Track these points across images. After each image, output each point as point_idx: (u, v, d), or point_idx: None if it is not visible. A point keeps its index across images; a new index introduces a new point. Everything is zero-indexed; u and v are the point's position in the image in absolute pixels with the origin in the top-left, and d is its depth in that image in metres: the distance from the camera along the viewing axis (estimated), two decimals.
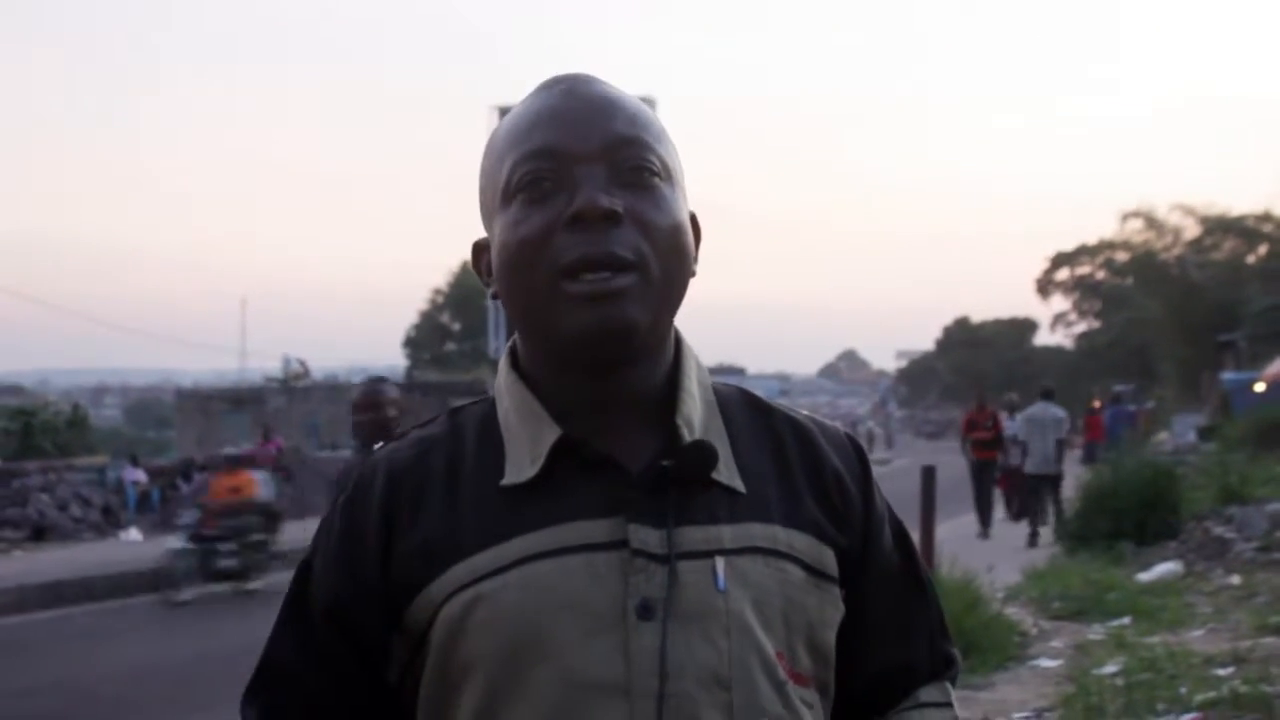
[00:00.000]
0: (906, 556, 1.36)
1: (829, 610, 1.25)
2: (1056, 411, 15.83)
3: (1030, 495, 15.76)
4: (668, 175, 1.24)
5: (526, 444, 1.22)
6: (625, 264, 1.18)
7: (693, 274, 1.26)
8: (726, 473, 1.23)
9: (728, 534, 1.20)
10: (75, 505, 21.75)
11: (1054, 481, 15.46)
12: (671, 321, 1.27)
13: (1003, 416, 17.60)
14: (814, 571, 1.24)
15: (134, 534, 20.66)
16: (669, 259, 1.21)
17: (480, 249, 1.31)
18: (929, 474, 9.82)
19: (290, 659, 1.27)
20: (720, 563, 1.19)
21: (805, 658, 1.23)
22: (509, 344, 1.32)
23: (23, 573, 15.12)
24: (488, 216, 1.28)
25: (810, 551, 1.24)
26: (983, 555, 13.05)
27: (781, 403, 1.37)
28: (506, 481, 1.21)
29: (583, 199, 1.17)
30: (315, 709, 1.26)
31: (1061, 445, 15.65)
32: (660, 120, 1.27)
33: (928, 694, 1.36)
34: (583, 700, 1.15)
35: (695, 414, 1.25)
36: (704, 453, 1.22)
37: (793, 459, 1.29)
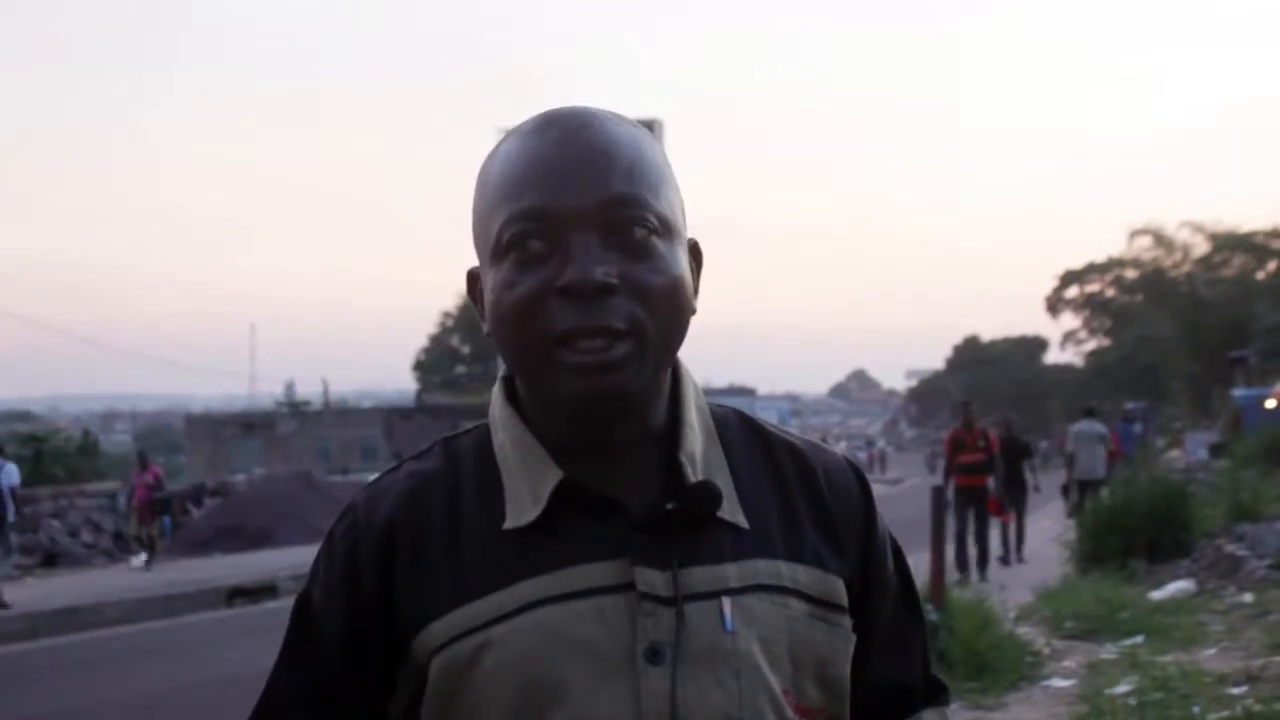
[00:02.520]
0: (904, 580, 1.36)
1: (839, 644, 1.25)
2: (1099, 427, 17.89)
3: (1080, 499, 16.67)
4: (666, 230, 1.20)
5: (527, 485, 1.21)
6: (620, 335, 1.16)
7: (693, 313, 1.24)
8: (730, 509, 1.22)
9: (733, 572, 1.20)
10: (86, 531, 21.79)
11: (1098, 485, 16.66)
12: (669, 369, 1.26)
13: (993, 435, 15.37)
14: (820, 604, 1.24)
15: (145, 560, 20.67)
16: (666, 320, 1.19)
17: (474, 277, 1.29)
18: (939, 494, 9.85)
19: (293, 690, 1.26)
20: (727, 603, 1.18)
21: (814, 691, 1.23)
22: (502, 373, 1.31)
23: (35, 599, 15.14)
24: (480, 258, 1.26)
25: (815, 584, 1.24)
26: (995, 574, 13.03)
27: (777, 426, 1.36)
28: (509, 525, 1.20)
29: (574, 272, 1.14)
30: None
31: (1111, 455, 17.48)
32: (659, 157, 1.23)
33: (930, 717, 1.37)
34: None
35: (697, 447, 1.24)
36: (708, 494, 1.21)
37: (793, 487, 1.28)
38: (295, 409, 53.31)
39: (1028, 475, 16.27)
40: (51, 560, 19.78)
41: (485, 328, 1.26)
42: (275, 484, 28.09)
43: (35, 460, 31.61)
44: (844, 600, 1.25)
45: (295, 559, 18.37)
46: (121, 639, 13.11)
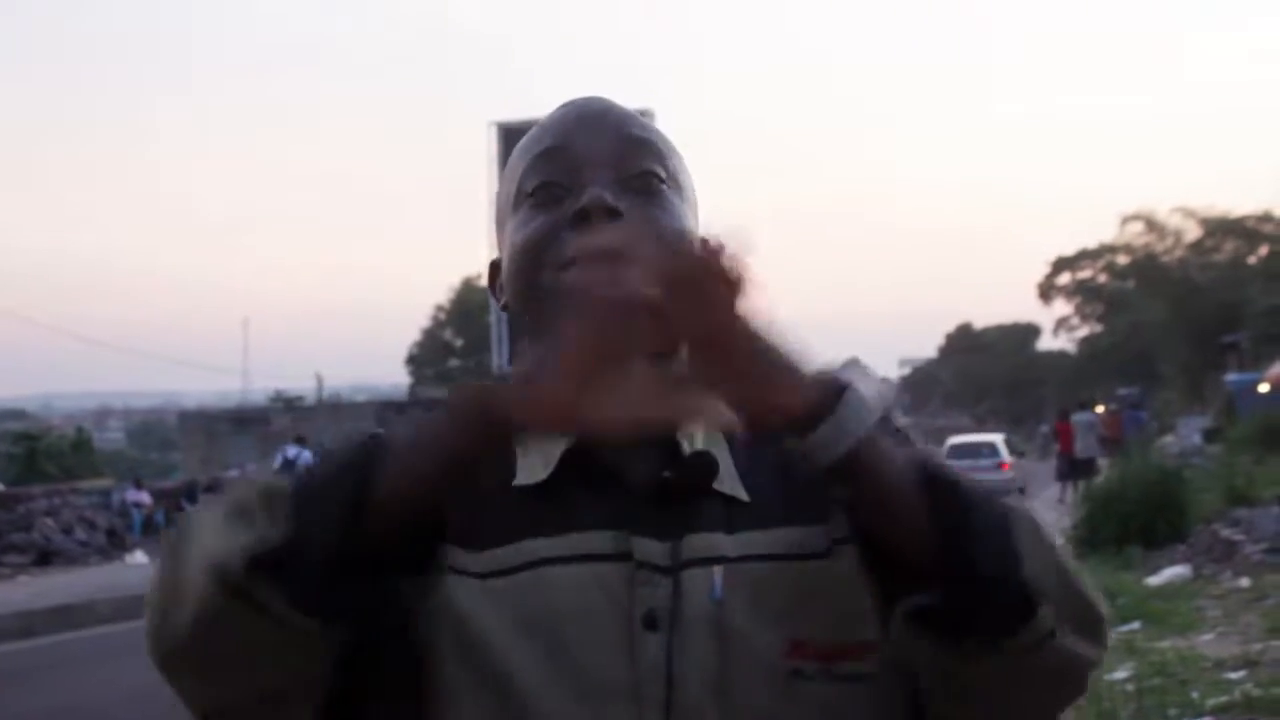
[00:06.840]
0: None
1: (849, 574, 1.17)
2: (1091, 416, 23.23)
3: (1071, 471, 21.09)
4: (676, 186, 1.26)
5: (536, 449, 1.22)
6: None
7: None
8: (729, 483, 1.23)
9: (729, 543, 1.20)
10: (80, 529, 21.76)
11: (1091, 464, 20.82)
12: None
13: None
14: (822, 556, 1.20)
15: (139, 556, 20.67)
16: None
17: (496, 267, 1.32)
18: None
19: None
20: (718, 572, 1.18)
21: (842, 632, 1.18)
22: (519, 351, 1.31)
23: (29, 597, 15.12)
24: (501, 229, 1.29)
25: (817, 540, 1.21)
26: None
27: None
28: (519, 482, 1.21)
29: (588, 196, 1.19)
30: None
31: (1102, 440, 22.68)
32: (671, 140, 1.29)
33: None
34: (591, 708, 1.14)
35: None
36: (705, 464, 1.21)
37: (797, 466, 1.25)
38: (288, 404, 53.31)
39: None
40: (45, 558, 19.76)
41: (501, 302, 1.30)
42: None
43: (28, 458, 31.61)
44: (845, 532, 1.18)
45: None
46: (116, 636, 13.09)
